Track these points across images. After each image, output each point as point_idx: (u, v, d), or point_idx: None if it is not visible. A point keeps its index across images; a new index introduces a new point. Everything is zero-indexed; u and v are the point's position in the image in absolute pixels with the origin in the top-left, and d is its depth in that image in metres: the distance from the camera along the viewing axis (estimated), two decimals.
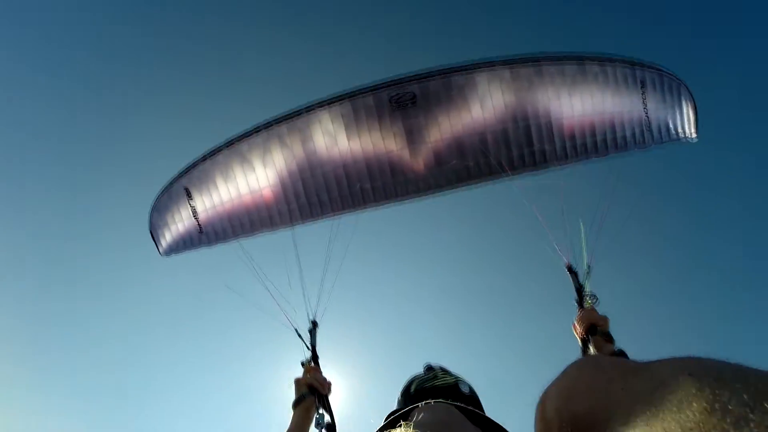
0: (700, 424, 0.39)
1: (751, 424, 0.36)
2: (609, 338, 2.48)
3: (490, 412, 1.94)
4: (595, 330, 2.53)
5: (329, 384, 2.66)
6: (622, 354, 2.34)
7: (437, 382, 1.92)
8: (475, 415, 1.35)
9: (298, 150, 3.68)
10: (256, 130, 3.69)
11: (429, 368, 2.08)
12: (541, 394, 0.72)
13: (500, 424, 1.35)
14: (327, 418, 2.48)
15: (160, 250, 4.71)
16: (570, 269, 3.11)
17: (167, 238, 4.62)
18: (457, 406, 1.37)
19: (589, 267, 3.05)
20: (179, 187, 4.27)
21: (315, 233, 4.22)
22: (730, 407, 0.38)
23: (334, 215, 3.87)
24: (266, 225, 3.96)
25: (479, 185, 3.82)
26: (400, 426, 1.27)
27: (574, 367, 0.69)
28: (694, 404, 0.41)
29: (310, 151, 3.67)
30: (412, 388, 1.95)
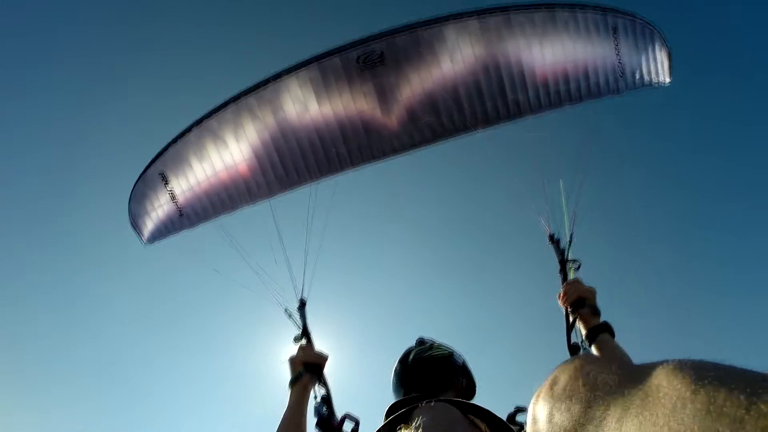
0: (694, 427, 0.39)
1: (747, 426, 0.35)
2: (596, 311, 2.43)
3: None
4: (583, 303, 2.45)
5: (326, 357, 2.59)
6: (607, 327, 2.32)
7: (434, 353, 2.00)
8: (470, 407, 1.38)
9: (269, 121, 3.60)
10: (225, 105, 3.59)
11: (421, 341, 2.13)
12: (533, 395, 0.71)
13: (492, 411, 1.39)
14: (323, 392, 2.47)
15: (143, 239, 4.65)
16: (552, 238, 3.01)
17: (148, 225, 4.55)
18: (454, 403, 1.39)
19: (570, 236, 2.95)
20: (154, 172, 4.18)
21: (294, 204, 4.18)
22: (725, 409, 0.37)
23: (313, 182, 3.84)
24: (245, 199, 3.91)
25: (455, 139, 3.80)
26: (401, 429, 1.30)
27: (565, 367, 0.69)
28: (689, 407, 0.40)
29: (281, 120, 3.60)
30: (410, 358, 2.01)
